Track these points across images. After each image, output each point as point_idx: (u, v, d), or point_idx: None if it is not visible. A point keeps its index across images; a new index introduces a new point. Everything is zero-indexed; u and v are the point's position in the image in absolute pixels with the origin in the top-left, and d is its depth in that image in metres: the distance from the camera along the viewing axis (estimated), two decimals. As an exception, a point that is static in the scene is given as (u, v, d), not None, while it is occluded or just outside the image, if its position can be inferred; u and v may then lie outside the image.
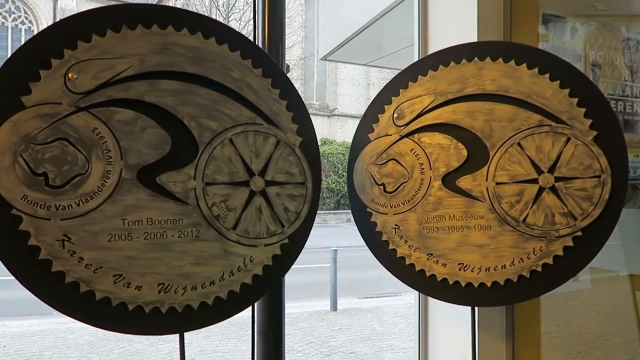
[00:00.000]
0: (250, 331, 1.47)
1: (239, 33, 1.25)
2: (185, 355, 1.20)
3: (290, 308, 7.02)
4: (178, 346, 1.18)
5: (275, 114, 1.27)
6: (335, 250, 7.58)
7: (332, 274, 7.31)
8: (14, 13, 23.15)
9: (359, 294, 8.18)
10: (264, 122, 1.25)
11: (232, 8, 18.38)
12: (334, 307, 7.13)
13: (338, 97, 27.80)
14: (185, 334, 1.17)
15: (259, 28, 1.53)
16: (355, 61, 5.23)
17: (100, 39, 1.06)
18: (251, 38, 1.56)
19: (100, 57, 1.06)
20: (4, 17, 22.84)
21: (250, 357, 1.54)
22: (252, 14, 1.58)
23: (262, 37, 1.52)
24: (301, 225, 1.30)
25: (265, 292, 1.30)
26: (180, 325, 1.12)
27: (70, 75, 1.03)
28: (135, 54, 1.10)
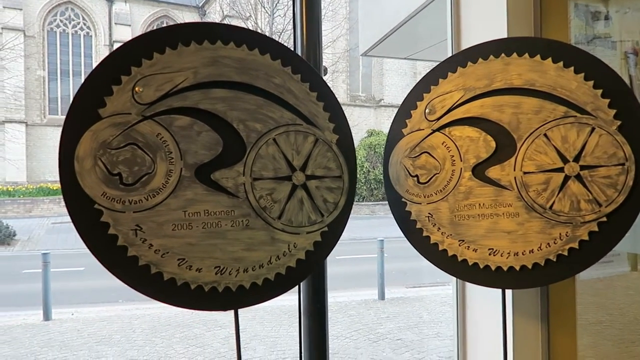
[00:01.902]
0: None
1: (280, 43, 1.39)
2: (241, 340, 1.36)
3: (340, 297, 7.18)
4: (232, 332, 1.34)
5: (314, 114, 1.41)
6: (382, 240, 7.67)
7: (379, 264, 7.42)
8: (73, 20, 24.46)
9: (407, 284, 8.24)
10: (303, 122, 1.39)
11: (276, 4, 18.63)
12: (382, 296, 7.24)
13: (384, 87, 27.58)
14: (240, 320, 1.33)
15: (297, 34, 1.67)
16: (395, 55, 5.28)
17: (160, 56, 1.23)
18: (292, 40, 1.70)
19: (160, 71, 1.23)
20: (65, 25, 24.21)
21: (298, 335, 1.71)
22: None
23: (301, 43, 1.65)
24: (339, 214, 1.43)
25: (308, 275, 1.44)
26: (234, 302, 1.28)
27: (137, 89, 1.21)
28: (190, 68, 1.26)
